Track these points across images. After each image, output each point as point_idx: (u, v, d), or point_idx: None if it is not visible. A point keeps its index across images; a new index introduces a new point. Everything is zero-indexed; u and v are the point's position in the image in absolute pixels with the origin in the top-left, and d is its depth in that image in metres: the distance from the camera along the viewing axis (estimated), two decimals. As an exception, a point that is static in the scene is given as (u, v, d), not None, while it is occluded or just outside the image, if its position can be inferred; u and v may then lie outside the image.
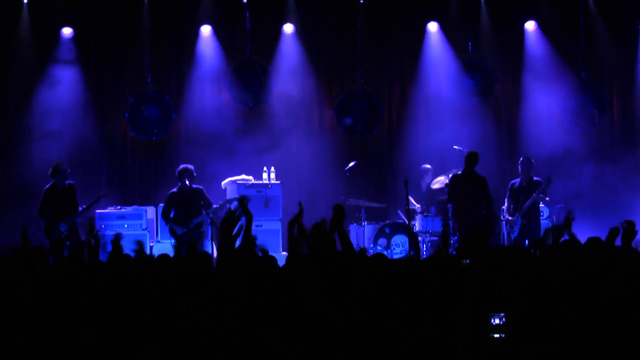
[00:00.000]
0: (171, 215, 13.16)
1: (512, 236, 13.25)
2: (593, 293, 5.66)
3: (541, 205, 14.05)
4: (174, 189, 13.26)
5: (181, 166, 13.35)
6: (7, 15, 15.05)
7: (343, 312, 5.64)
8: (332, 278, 6.15)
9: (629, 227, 6.94)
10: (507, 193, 13.62)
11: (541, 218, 14.04)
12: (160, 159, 15.43)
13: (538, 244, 7.95)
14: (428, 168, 14.71)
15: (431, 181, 14.68)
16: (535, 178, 13.45)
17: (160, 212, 13.42)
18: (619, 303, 5.54)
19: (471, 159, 13.09)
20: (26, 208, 14.03)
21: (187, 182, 13.14)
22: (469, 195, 12.91)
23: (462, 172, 13.16)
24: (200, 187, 13.40)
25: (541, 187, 13.29)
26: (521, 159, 13.67)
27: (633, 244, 7.29)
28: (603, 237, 7.58)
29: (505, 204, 13.62)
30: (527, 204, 13.22)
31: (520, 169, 13.52)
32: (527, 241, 12.89)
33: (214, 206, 13.24)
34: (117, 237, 7.71)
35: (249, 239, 7.06)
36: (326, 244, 7.05)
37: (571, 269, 6.27)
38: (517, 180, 13.59)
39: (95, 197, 13.33)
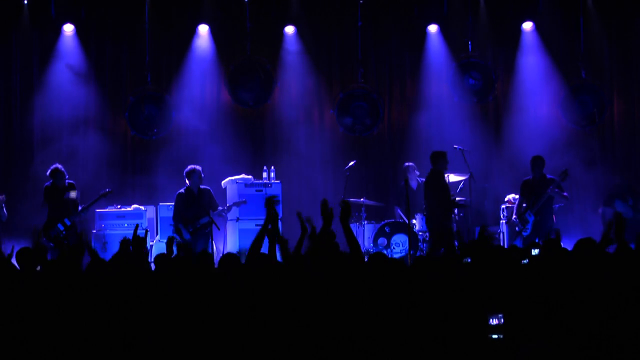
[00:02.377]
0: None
1: (525, 234, 13.20)
2: (590, 292, 5.67)
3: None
4: (182, 190, 13.25)
5: (189, 167, 13.35)
6: (7, 14, 15.07)
7: (342, 312, 5.64)
8: (333, 279, 6.14)
9: (618, 219, 6.90)
10: (520, 191, 13.57)
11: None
12: (160, 158, 15.42)
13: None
14: (410, 165, 14.61)
15: (417, 176, 14.62)
16: (548, 176, 13.41)
17: (172, 215, 13.35)
18: (616, 302, 5.54)
19: (433, 158, 13.21)
20: (26, 207, 14.07)
21: (195, 183, 13.16)
22: (431, 197, 13.12)
23: (429, 172, 13.26)
24: (208, 187, 13.41)
25: (556, 182, 13.24)
26: (532, 157, 13.55)
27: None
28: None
29: (516, 203, 13.59)
30: (540, 201, 13.19)
31: (531, 167, 13.46)
32: (537, 238, 12.88)
33: (220, 208, 13.30)
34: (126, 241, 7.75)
35: (281, 239, 7.10)
36: (328, 244, 7.03)
37: (568, 269, 6.28)
38: (526, 178, 13.51)
39: (96, 197, 13.34)
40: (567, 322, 5.44)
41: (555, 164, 14.69)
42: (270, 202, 7.45)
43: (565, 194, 13.46)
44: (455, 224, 13.42)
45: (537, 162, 13.41)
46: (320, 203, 7.18)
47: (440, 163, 13.12)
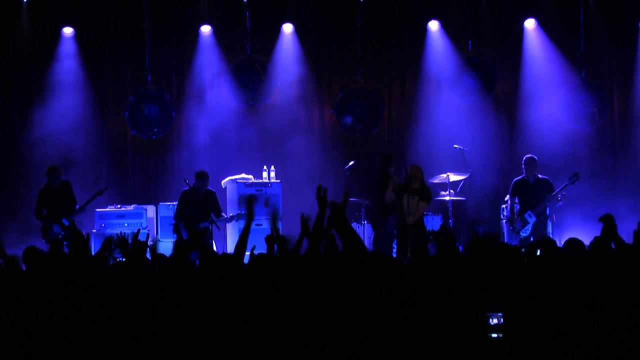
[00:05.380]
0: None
1: (523, 235, 13.16)
2: (591, 292, 5.67)
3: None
4: (186, 188, 13.16)
5: (200, 170, 13.32)
6: (6, 15, 15.07)
7: (342, 311, 5.64)
8: (332, 278, 6.14)
9: (608, 220, 6.80)
10: (510, 191, 13.48)
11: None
12: (160, 157, 15.44)
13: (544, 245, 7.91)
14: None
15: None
16: (540, 176, 13.38)
17: (174, 211, 13.33)
18: (616, 301, 5.55)
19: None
20: (26, 206, 14.09)
21: (201, 185, 13.10)
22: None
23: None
24: (214, 191, 13.36)
25: (566, 184, 13.19)
26: (525, 157, 13.46)
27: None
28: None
29: (508, 203, 13.52)
30: (543, 203, 13.15)
31: (524, 168, 13.40)
32: (532, 238, 12.89)
33: (224, 216, 13.26)
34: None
35: (244, 241, 7.01)
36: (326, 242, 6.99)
37: (568, 268, 6.28)
38: (520, 179, 13.42)
39: (92, 194, 13.28)
40: (567, 322, 5.44)
41: (555, 163, 14.70)
42: (250, 201, 7.35)
43: (565, 193, 13.48)
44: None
45: (532, 162, 13.31)
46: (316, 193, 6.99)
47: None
